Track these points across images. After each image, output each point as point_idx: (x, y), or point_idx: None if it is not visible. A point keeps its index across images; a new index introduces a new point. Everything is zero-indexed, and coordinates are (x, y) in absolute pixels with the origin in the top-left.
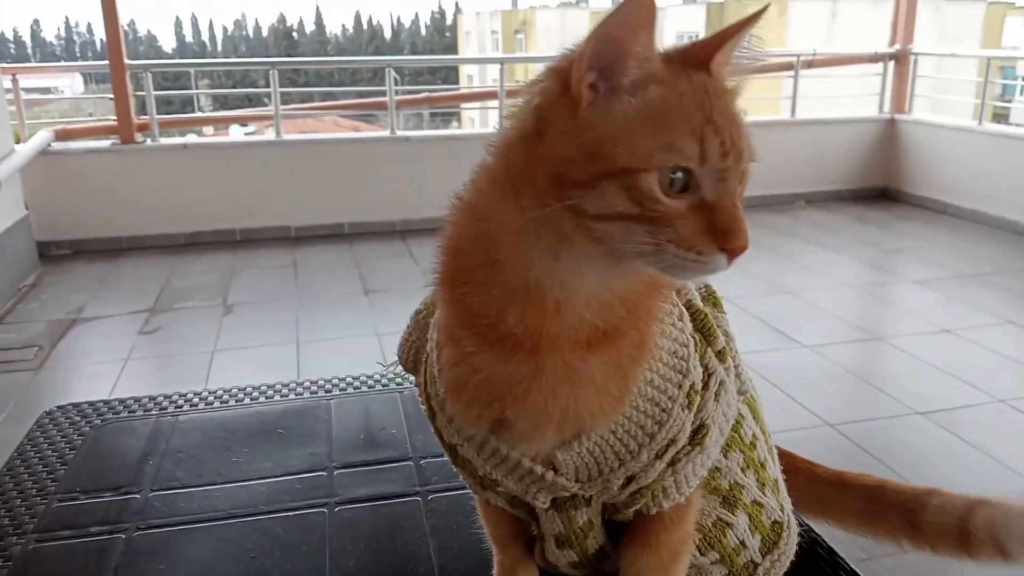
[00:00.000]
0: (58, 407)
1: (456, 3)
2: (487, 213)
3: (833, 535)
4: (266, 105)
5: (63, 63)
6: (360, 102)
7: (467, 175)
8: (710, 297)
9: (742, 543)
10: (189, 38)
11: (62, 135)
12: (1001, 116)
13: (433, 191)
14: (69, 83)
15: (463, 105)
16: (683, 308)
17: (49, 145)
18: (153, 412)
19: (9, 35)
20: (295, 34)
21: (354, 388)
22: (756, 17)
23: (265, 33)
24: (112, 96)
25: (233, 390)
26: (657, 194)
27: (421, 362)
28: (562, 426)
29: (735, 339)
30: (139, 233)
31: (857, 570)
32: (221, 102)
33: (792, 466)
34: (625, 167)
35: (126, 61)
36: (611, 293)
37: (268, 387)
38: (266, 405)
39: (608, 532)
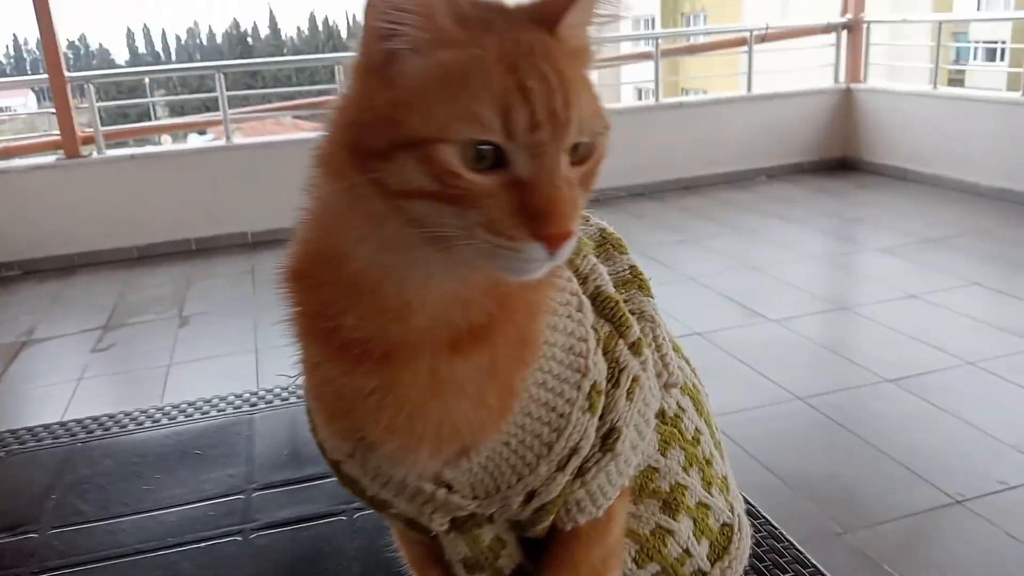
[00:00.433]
0: None
1: None
2: (313, 191)
3: (803, 508)
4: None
5: (2, 79)
6: (313, 102)
7: None
8: (635, 280)
9: (686, 551)
10: (142, 49)
11: (3, 153)
12: (956, 81)
13: None
14: (23, 102)
15: None
16: (583, 298)
17: None
18: (63, 439)
19: None
20: (250, 39)
21: (281, 400)
22: None
23: (220, 40)
24: (55, 110)
25: (150, 410)
26: (456, 168)
27: None
28: (438, 445)
29: (663, 324)
30: (91, 249)
31: (819, 557)
32: (178, 111)
33: None
34: (420, 136)
35: (66, 73)
36: (471, 286)
37: (188, 404)
38: (184, 424)
39: (527, 548)
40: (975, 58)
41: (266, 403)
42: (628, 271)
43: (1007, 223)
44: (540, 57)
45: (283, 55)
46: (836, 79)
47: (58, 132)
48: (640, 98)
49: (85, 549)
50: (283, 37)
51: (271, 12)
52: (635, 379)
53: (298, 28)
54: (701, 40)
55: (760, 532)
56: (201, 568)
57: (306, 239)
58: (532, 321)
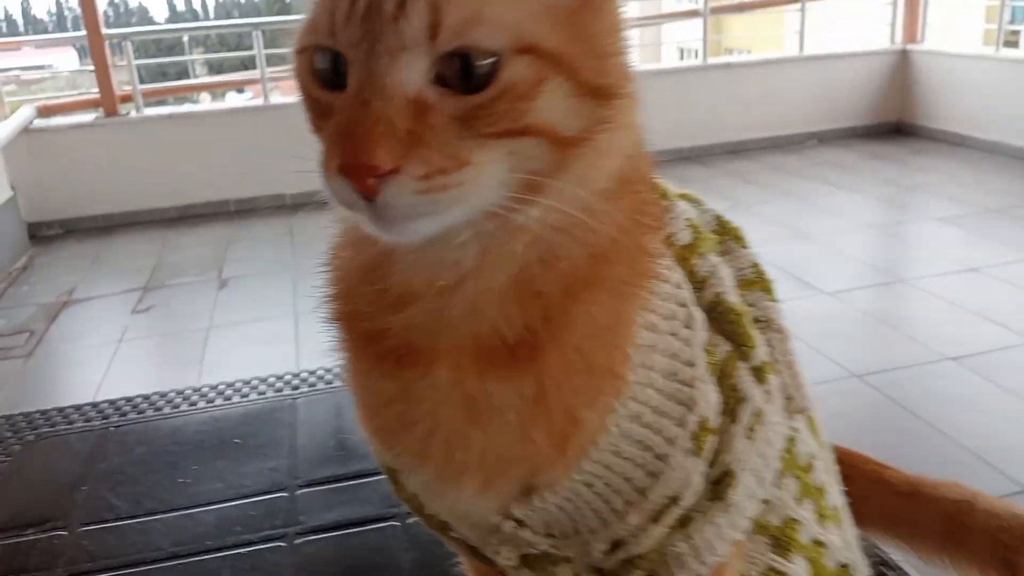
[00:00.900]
0: None
1: None
2: None
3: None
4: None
5: (37, 36)
6: None
7: None
8: (759, 280)
9: None
10: (181, 7)
11: (44, 111)
12: (1011, 43)
13: None
14: (64, 59)
15: None
16: (693, 311)
17: (31, 122)
18: (95, 422)
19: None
20: None
21: (325, 383)
22: None
23: None
24: (93, 68)
25: (187, 391)
26: (305, 81)
27: None
28: (486, 481)
29: (789, 335)
30: (130, 209)
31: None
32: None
33: (852, 468)
34: (295, 49)
35: (104, 31)
36: (477, 281)
37: (227, 386)
38: (222, 408)
39: None
40: None
41: (309, 386)
42: (751, 269)
43: None
44: None
45: None
46: (892, 39)
47: (97, 90)
48: (682, 58)
49: (117, 551)
50: None
51: None
52: (757, 413)
53: None
54: None
55: None
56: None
57: None
58: (611, 345)
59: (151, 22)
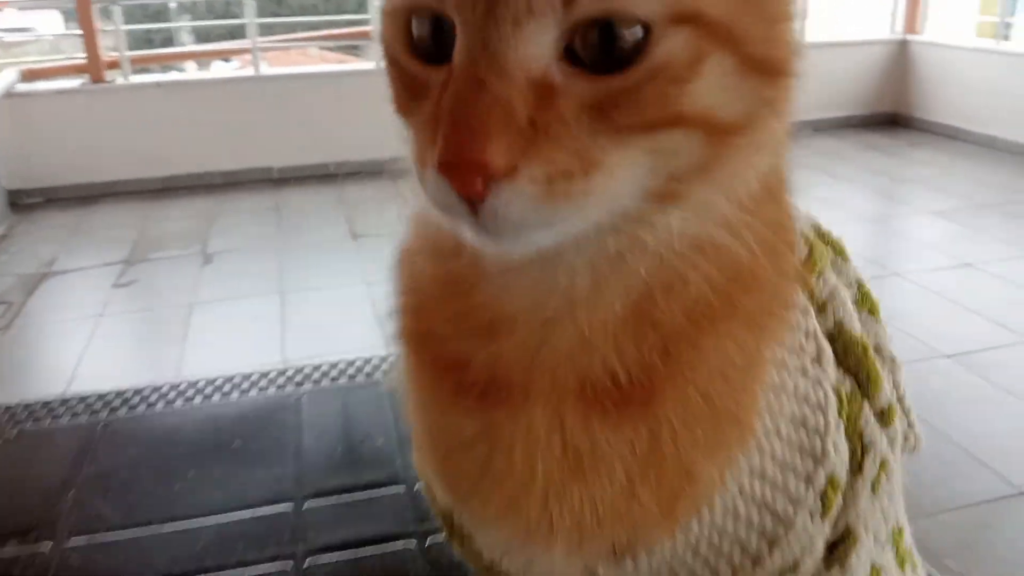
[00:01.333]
0: None
1: None
2: None
3: None
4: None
5: None
6: (342, 32)
7: None
8: (865, 300)
9: None
10: None
11: (28, 76)
12: (1002, 36)
13: None
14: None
15: None
16: (822, 343)
17: (14, 87)
18: (82, 417)
19: None
20: None
21: (331, 379)
22: None
23: None
24: (81, 33)
25: (182, 384)
26: (394, 46)
27: None
28: (577, 541)
29: (903, 366)
30: (113, 179)
31: None
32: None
33: None
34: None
35: None
36: (619, 303)
37: (225, 379)
38: (220, 406)
39: None
40: None
41: (313, 382)
42: (857, 288)
43: None
44: None
45: None
46: (892, 29)
47: (83, 55)
48: None
49: (108, 568)
50: None
51: None
52: (883, 463)
53: None
54: None
55: None
56: None
57: None
58: (741, 387)
59: None
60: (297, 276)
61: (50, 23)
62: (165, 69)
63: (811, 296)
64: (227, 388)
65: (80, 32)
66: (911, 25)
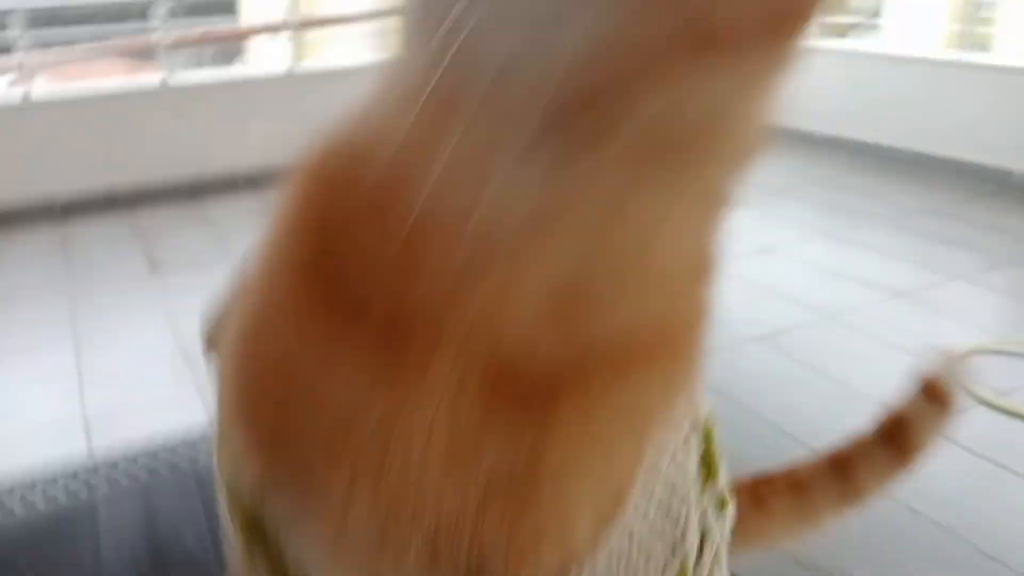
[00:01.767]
0: None
1: None
2: None
3: None
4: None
5: None
6: (125, 43)
7: (261, 118)
8: None
9: None
10: None
11: None
12: None
13: (224, 138)
14: None
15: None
16: (687, 424)
17: None
18: None
19: None
20: None
21: (128, 477)
22: None
23: None
24: None
25: None
26: None
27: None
28: (438, 554)
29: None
30: None
31: None
32: None
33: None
34: None
35: None
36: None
37: (6, 492)
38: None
39: None
40: None
41: (109, 483)
42: None
43: (844, 171)
44: None
45: None
46: None
47: None
48: None
49: None
50: None
51: None
52: (716, 553)
53: None
54: None
55: None
56: None
57: None
58: (634, 445)
59: None
60: (93, 320)
61: None
62: None
63: None
64: (9, 504)
65: None
66: None
